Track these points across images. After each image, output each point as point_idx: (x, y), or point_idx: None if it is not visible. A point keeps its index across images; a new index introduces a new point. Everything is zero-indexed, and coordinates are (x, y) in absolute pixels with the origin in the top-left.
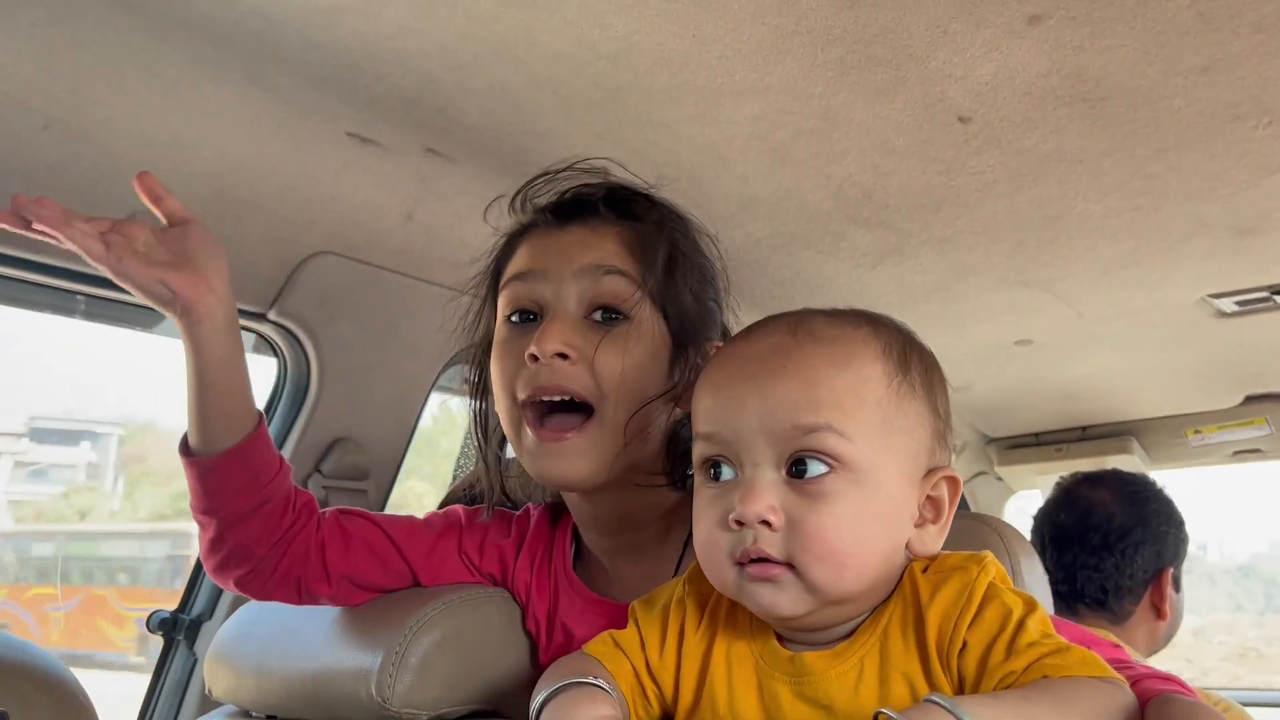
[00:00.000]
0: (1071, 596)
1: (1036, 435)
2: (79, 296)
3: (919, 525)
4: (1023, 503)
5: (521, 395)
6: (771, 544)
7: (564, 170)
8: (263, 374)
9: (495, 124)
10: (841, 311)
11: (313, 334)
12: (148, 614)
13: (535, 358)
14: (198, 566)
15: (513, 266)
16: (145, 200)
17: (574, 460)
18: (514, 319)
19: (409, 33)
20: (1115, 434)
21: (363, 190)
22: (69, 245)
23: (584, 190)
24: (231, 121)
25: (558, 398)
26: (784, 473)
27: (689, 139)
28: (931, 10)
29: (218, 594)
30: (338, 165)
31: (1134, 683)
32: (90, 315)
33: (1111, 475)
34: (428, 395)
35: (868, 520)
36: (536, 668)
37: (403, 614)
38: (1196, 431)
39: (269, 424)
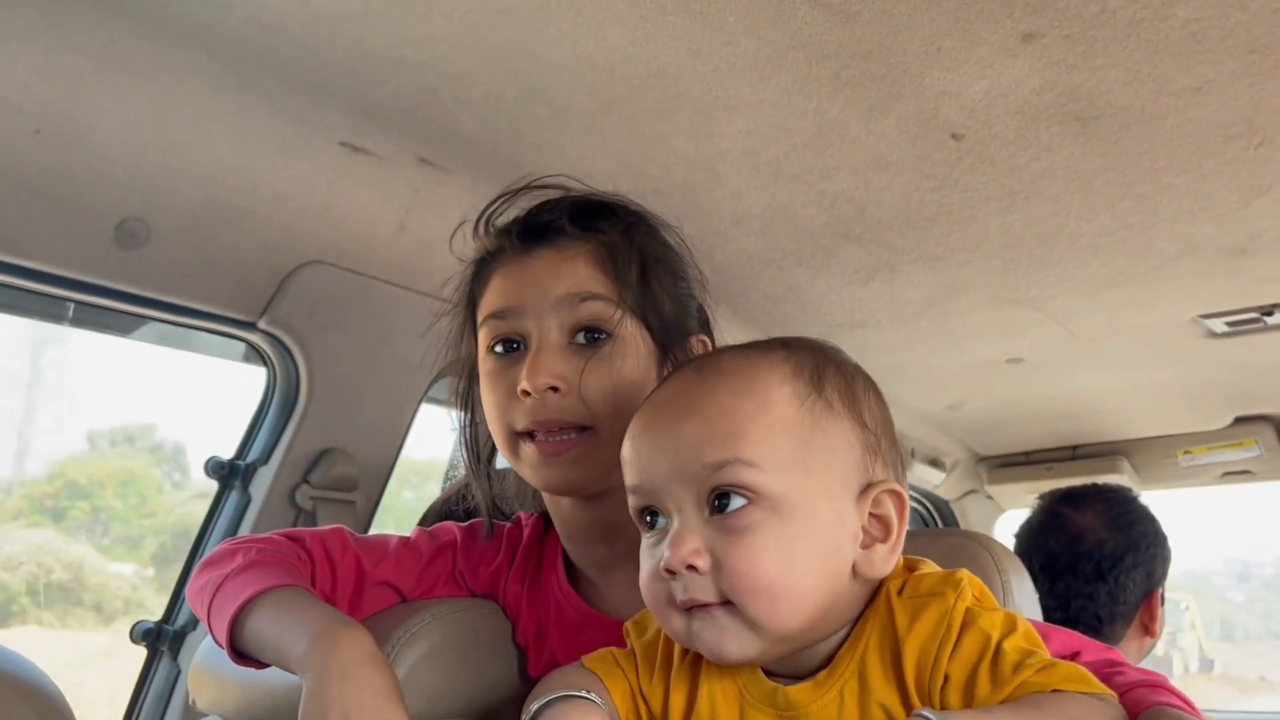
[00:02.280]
0: (1065, 623)
1: (1027, 454)
2: (69, 303)
3: (866, 546)
4: (1012, 523)
5: (519, 426)
6: (702, 588)
7: (521, 189)
8: (252, 384)
9: (489, 135)
10: (756, 342)
11: (303, 344)
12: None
13: (527, 393)
14: (182, 578)
15: (488, 302)
16: None
17: (575, 467)
18: (498, 349)
19: (404, 42)
20: (1106, 454)
21: (355, 200)
22: None
23: (547, 212)
24: (224, 129)
25: (556, 429)
26: (706, 513)
27: (682, 153)
28: (925, 27)
29: None
30: (330, 174)
31: (1125, 691)
32: (81, 322)
33: (1094, 494)
34: (418, 407)
35: (793, 549)
36: (526, 681)
37: (390, 625)
38: (1186, 452)
39: (259, 434)
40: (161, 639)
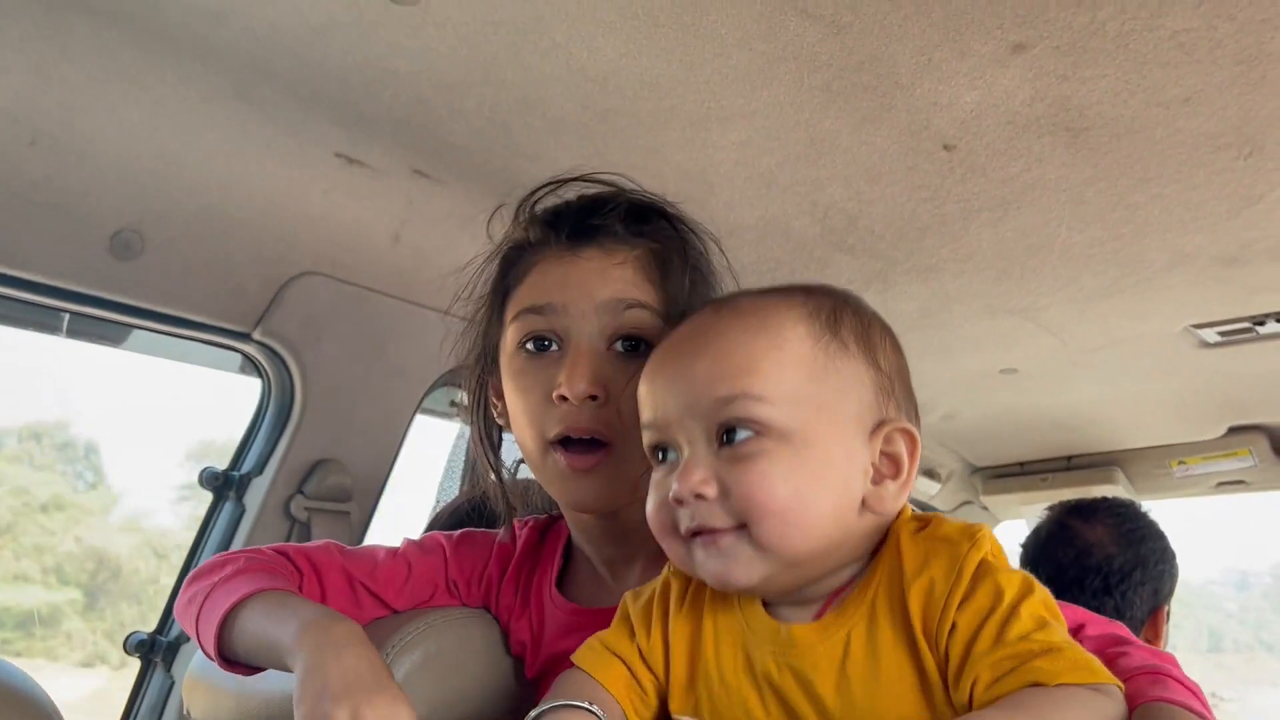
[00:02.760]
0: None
1: (1022, 465)
2: (64, 314)
3: (876, 482)
4: (1007, 533)
5: (551, 434)
6: (712, 515)
7: (575, 179)
8: (247, 394)
9: (483, 145)
10: (777, 286)
11: (298, 355)
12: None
13: (564, 398)
14: (175, 588)
15: (525, 295)
16: None
17: (601, 484)
18: (529, 346)
19: (398, 54)
20: (1100, 464)
21: (350, 211)
22: None
23: (600, 214)
24: (219, 139)
25: (588, 437)
26: (716, 445)
27: (676, 164)
28: (917, 38)
29: None
30: (325, 185)
31: (1128, 677)
32: (75, 333)
33: (1105, 508)
34: (413, 417)
35: (803, 477)
36: (521, 687)
37: (384, 634)
38: (1181, 462)
39: (253, 445)
40: (155, 650)
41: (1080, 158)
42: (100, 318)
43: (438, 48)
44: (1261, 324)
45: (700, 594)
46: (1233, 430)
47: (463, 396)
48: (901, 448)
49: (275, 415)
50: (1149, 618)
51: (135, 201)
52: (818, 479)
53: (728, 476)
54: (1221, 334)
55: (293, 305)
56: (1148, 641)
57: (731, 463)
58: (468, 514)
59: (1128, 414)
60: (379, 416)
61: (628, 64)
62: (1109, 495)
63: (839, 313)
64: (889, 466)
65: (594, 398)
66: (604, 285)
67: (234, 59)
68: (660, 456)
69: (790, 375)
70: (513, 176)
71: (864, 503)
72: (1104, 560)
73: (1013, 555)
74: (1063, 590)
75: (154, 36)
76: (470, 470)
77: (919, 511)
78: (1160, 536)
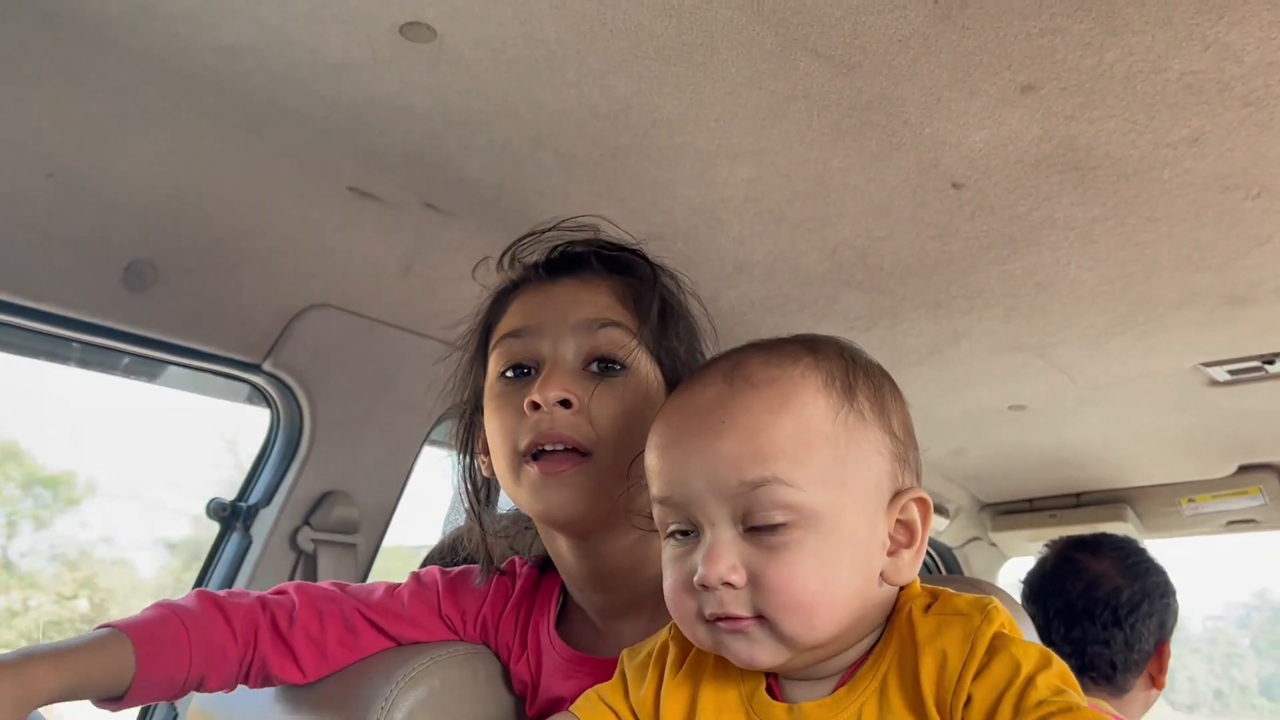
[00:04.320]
0: (1079, 671)
1: (1030, 501)
2: (75, 344)
3: (891, 553)
4: (1016, 570)
5: (523, 444)
6: (737, 603)
7: (551, 229)
8: (256, 425)
9: (495, 180)
10: (780, 343)
11: (307, 386)
12: None
13: (536, 405)
14: None
15: (505, 324)
16: None
17: (573, 492)
18: (508, 374)
19: (412, 90)
20: (1110, 501)
21: (361, 243)
22: None
23: (576, 248)
24: (233, 172)
25: (559, 446)
26: (741, 529)
27: (685, 199)
28: (926, 79)
29: None
30: (337, 218)
31: None
32: (87, 363)
33: (1107, 542)
34: (420, 449)
35: (832, 564)
36: None
37: (388, 670)
38: (1191, 500)
39: (261, 476)
40: None
41: (1089, 196)
42: (110, 348)
43: (451, 85)
44: (1271, 363)
45: (699, 662)
46: (1243, 469)
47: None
48: (916, 515)
49: (284, 447)
50: (1154, 651)
51: (149, 233)
52: (844, 563)
53: (756, 565)
54: (1231, 372)
55: (303, 337)
56: (1151, 677)
57: (760, 550)
58: (456, 550)
59: (1137, 451)
60: (387, 448)
61: (639, 102)
62: (1117, 533)
63: (852, 377)
64: (904, 535)
65: (566, 404)
66: (578, 308)
67: (250, 95)
68: (675, 533)
69: (817, 456)
70: (524, 210)
71: (881, 574)
72: (1113, 592)
73: (1012, 589)
74: (1073, 623)
75: (172, 73)
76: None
77: (927, 585)
78: (1161, 571)
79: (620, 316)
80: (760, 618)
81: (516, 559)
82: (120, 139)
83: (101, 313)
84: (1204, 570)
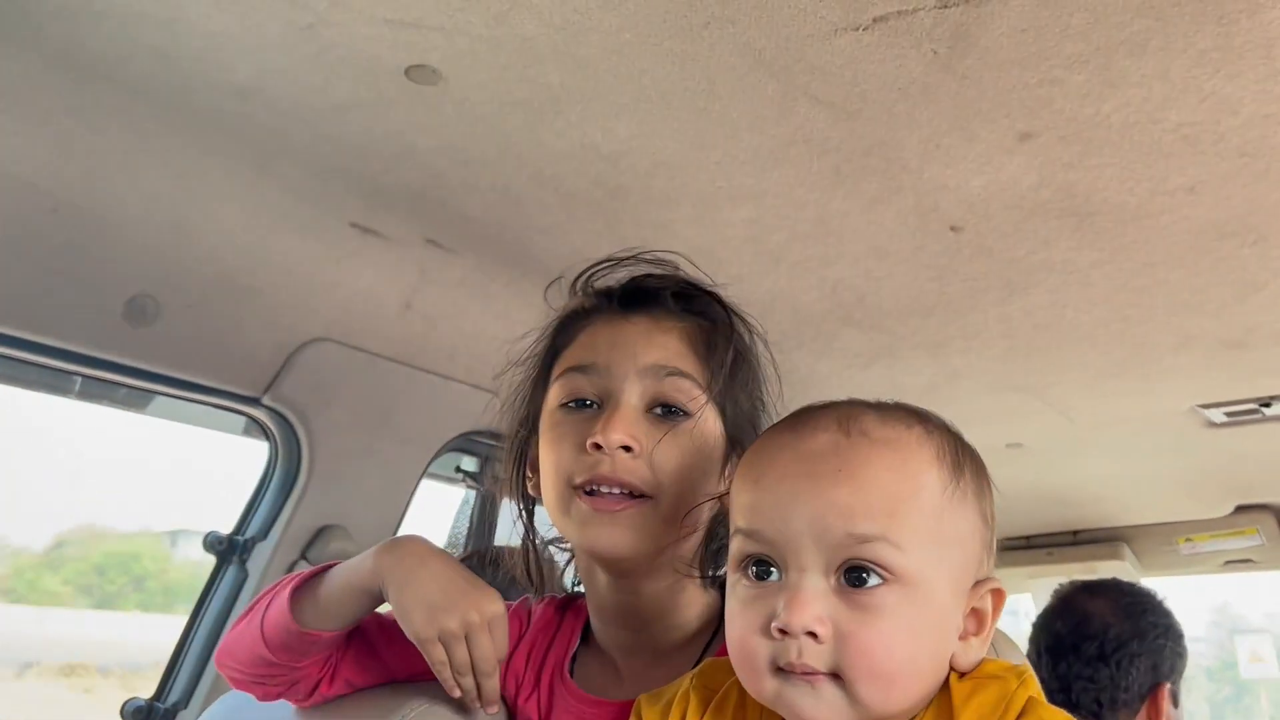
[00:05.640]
0: (1067, 707)
1: (1028, 538)
2: (75, 377)
3: (962, 638)
4: (1012, 604)
5: (578, 480)
6: (817, 657)
7: (630, 258)
8: (254, 458)
9: (496, 218)
10: (889, 407)
11: (305, 420)
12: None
13: (599, 446)
14: (175, 654)
15: (572, 355)
16: None
17: (626, 530)
18: (570, 405)
19: (416, 130)
20: (1107, 539)
21: (363, 279)
22: None
23: (653, 282)
24: (238, 209)
25: (616, 490)
26: (833, 581)
27: (685, 239)
28: (925, 126)
29: (194, 683)
30: (339, 253)
31: None
32: (86, 395)
33: (1112, 585)
34: (418, 483)
35: (918, 636)
36: None
37: (389, 706)
38: (1188, 539)
39: (258, 509)
40: (153, 717)
41: (1086, 241)
42: (112, 381)
43: (455, 125)
44: (1268, 405)
45: (720, 712)
46: (1240, 509)
47: (465, 462)
48: (989, 605)
49: (281, 480)
50: (1150, 694)
51: (152, 268)
52: (930, 637)
53: (845, 622)
54: (1228, 414)
55: (303, 371)
56: None
57: (851, 608)
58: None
59: (1134, 491)
60: (385, 482)
61: (640, 143)
62: (1115, 571)
63: (960, 456)
64: (974, 624)
65: (628, 449)
66: (649, 350)
67: (256, 133)
68: (754, 573)
69: (926, 524)
70: (525, 248)
71: (951, 657)
72: (1101, 629)
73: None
74: (1059, 659)
75: (179, 111)
76: (471, 537)
77: None
78: (1165, 614)
79: (690, 366)
80: (835, 676)
81: (530, 598)
82: (126, 175)
83: (103, 346)
84: None
